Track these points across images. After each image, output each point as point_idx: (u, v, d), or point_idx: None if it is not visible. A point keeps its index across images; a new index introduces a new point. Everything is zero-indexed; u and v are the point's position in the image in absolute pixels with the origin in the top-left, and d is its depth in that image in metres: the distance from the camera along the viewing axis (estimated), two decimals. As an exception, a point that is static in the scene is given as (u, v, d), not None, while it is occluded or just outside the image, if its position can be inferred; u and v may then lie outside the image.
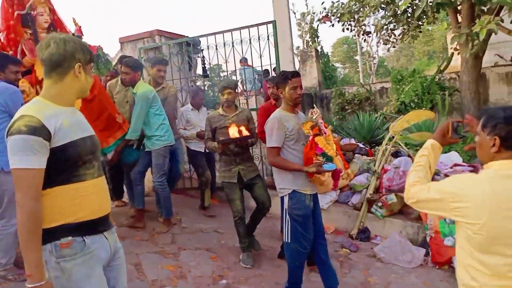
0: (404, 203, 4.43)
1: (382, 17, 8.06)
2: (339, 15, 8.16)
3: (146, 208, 4.67)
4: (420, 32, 7.85)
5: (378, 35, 8.75)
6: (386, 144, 5.04)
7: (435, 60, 26.01)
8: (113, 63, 5.65)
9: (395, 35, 8.54)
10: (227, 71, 5.91)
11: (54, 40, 1.63)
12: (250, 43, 5.27)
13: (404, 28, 7.73)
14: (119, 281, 1.84)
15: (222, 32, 5.47)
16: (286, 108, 3.10)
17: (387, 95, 7.89)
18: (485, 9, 5.42)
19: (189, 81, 6.41)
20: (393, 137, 4.96)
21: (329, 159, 2.84)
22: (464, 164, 4.77)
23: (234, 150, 3.76)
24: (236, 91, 4.06)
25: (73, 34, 4.09)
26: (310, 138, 2.91)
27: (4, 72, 3.34)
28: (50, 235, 1.58)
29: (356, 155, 5.54)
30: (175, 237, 4.35)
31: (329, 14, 8.32)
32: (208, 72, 6.55)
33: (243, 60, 7.21)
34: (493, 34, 4.79)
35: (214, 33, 5.55)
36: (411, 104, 6.87)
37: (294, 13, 18.31)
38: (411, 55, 34.52)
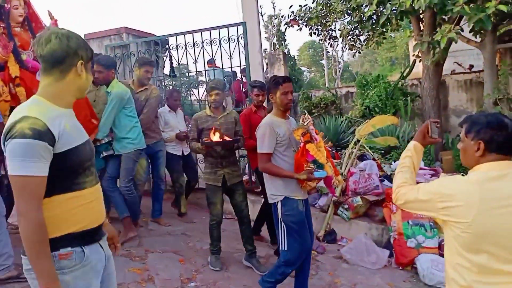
0: (369, 206, 4.56)
1: (348, 23, 8.27)
2: (306, 19, 8.30)
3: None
4: (384, 38, 8.11)
5: (344, 40, 8.97)
6: (352, 147, 5.15)
7: (397, 66, 26.99)
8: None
9: (360, 41, 8.78)
10: (196, 71, 5.83)
11: (56, 35, 1.51)
12: (220, 44, 5.23)
13: (369, 34, 7.96)
14: None
15: (192, 32, 5.40)
16: (277, 114, 3.07)
17: (352, 99, 8.08)
18: (446, 18, 5.65)
19: (157, 80, 6.29)
20: (359, 140, 5.08)
21: (320, 166, 2.84)
22: (426, 168, 4.97)
23: (221, 153, 3.65)
24: (224, 91, 3.94)
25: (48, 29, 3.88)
26: (301, 144, 2.89)
27: None
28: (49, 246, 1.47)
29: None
30: (142, 240, 4.23)
31: (297, 18, 8.44)
32: (175, 72, 6.45)
33: (211, 61, 7.15)
34: (453, 42, 5.02)
35: (183, 33, 5.47)
36: (375, 109, 7.08)
37: (262, 16, 18.34)
38: (374, 61, 35.63)
